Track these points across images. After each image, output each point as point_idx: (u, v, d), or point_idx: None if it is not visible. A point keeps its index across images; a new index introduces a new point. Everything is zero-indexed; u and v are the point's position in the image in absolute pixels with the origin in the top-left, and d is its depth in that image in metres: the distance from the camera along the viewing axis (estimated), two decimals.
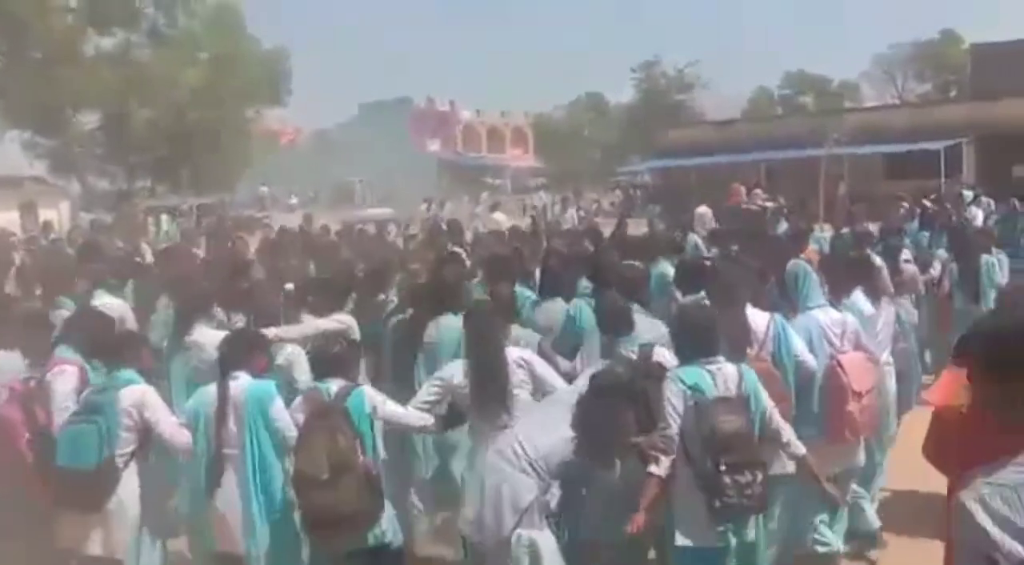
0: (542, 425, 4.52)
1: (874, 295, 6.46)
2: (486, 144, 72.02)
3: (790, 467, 4.82)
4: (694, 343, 4.52)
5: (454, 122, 70.36)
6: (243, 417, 4.82)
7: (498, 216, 24.22)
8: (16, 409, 5.17)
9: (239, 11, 43.67)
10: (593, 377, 4.53)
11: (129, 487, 4.97)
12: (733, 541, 4.35)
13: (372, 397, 4.93)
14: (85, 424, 4.86)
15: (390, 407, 4.98)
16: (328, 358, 5.05)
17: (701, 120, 54.48)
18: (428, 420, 5.09)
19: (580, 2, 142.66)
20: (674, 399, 4.33)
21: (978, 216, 14.47)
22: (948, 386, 3.64)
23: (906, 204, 14.65)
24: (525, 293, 7.16)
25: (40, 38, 36.93)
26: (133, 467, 5.00)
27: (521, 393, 5.01)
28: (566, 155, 67.36)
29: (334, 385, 4.90)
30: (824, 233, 13.42)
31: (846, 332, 5.65)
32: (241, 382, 4.92)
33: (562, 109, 74.10)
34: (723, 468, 4.15)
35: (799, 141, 31.71)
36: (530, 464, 4.39)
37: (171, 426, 5.02)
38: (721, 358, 4.49)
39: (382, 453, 5.00)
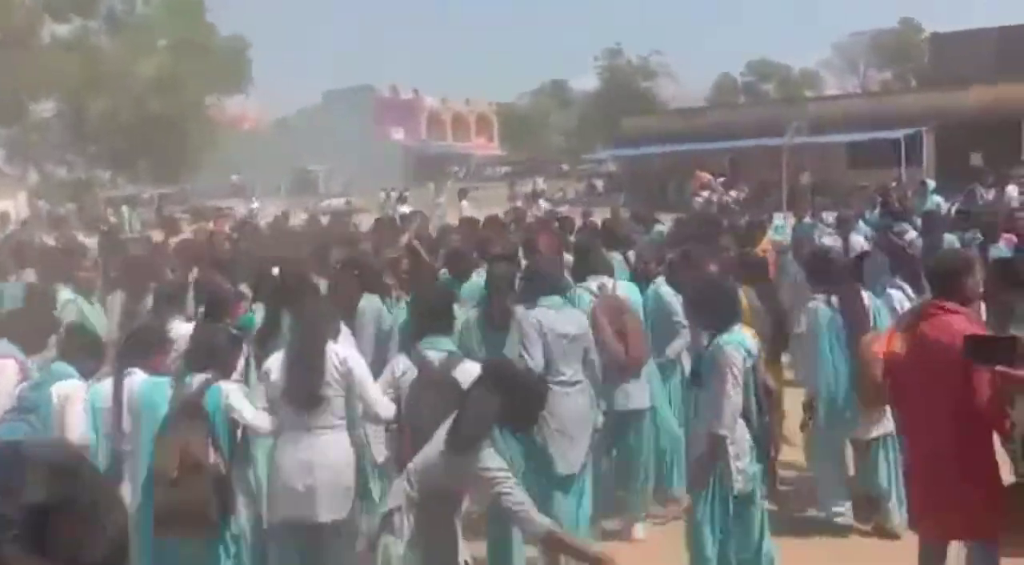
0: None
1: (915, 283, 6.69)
2: (451, 132, 71.74)
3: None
4: (729, 312, 4.81)
5: (418, 110, 69.99)
6: (136, 414, 4.72)
7: (464, 205, 24.24)
8: None
9: None
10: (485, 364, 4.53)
11: None
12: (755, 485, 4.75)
13: (228, 395, 4.71)
14: (17, 423, 4.75)
15: (244, 408, 4.74)
16: (202, 350, 4.84)
17: (665, 108, 54.70)
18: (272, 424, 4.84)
19: None
20: (737, 364, 4.58)
21: (940, 204, 14.65)
22: (890, 340, 4.50)
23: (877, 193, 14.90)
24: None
25: None
26: None
27: (329, 393, 4.79)
28: (531, 143, 67.33)
29: (199, 379, 4.70)
30: (784, 222, 13.51)
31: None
32: (135, 378, 4.81)
33: (526, 97, 74.01)
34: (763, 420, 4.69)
35: (762, 130, 31.87)
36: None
37: (77, 426, 4.86)
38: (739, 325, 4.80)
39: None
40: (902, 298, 6.42)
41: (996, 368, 3.57)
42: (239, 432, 4.83)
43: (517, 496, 3.71)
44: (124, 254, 10.26)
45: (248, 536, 4.85)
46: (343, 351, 4.94)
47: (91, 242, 13.18)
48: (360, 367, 4.91)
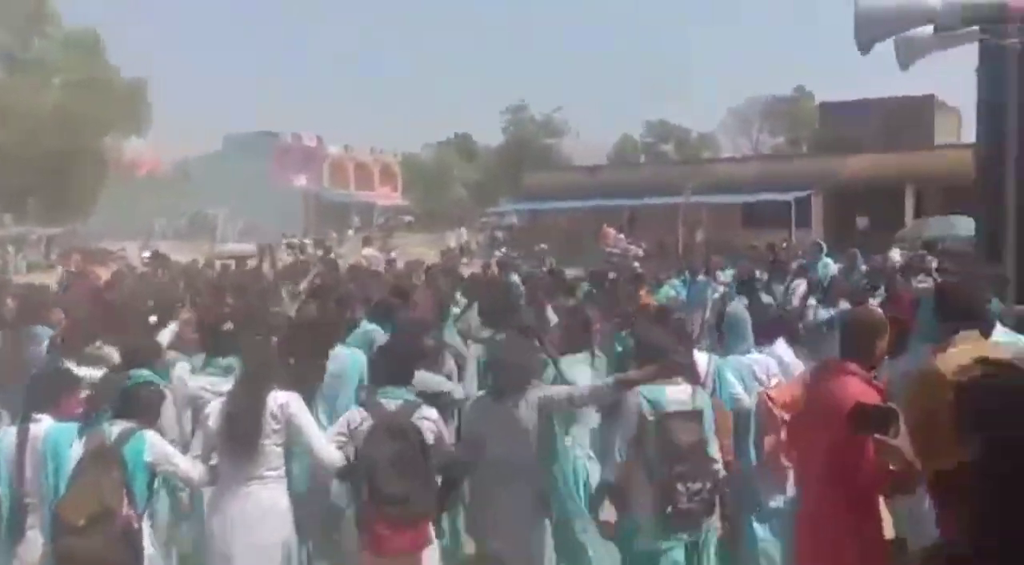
0: None
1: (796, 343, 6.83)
2: (353, 181, 71.32)
3: None
4: (651, 357, 4.93)
5: (321, 157, 69.43)
6: (42, 461, 4.55)
7: (367, 252, 24.05)
8: None
9: (97, 37, 42.23)
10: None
11: None
12: (684, 544, 4.74)
13: (155, 445, 4.59)
14: None
15: (175, 459, 4.64)
16: (128, 398, 4.71)
17: (567, 165, 55.64)
18: (203, 474, 4.73)
19: (446, 43, 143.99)
20: (632, 411, 4.74)
21: (830, 265, 15.17)
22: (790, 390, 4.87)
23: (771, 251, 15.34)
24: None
25: None
26: None
27: (266, 443, 4.69)
28: (434, 195, 67.46)
29: (119, 427, 4.56)
30: (676, 279, 13.77)
31: (770, 373, 6.06)
32: (42, 425, 4.64)
33: (431, 149, 74.29)
34: (676, 476, 4.60)
35: (661, 188, 32.70)
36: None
37: None
38: (679, 379, 4.90)
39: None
40: (766, 361, 6.23)
41: (874, 436, 3.70)
42: (155, 485, 4.68)
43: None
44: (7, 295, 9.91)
45: None
46: (284, 397, 4.79)
47: None
48: (302, 414, 4.77)
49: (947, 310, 4.30)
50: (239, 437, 4.62)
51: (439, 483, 4.75)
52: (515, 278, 12.43)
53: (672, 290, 12.40)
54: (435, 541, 4.79)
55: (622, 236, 34.13)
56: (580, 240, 35.85)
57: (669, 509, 4.61)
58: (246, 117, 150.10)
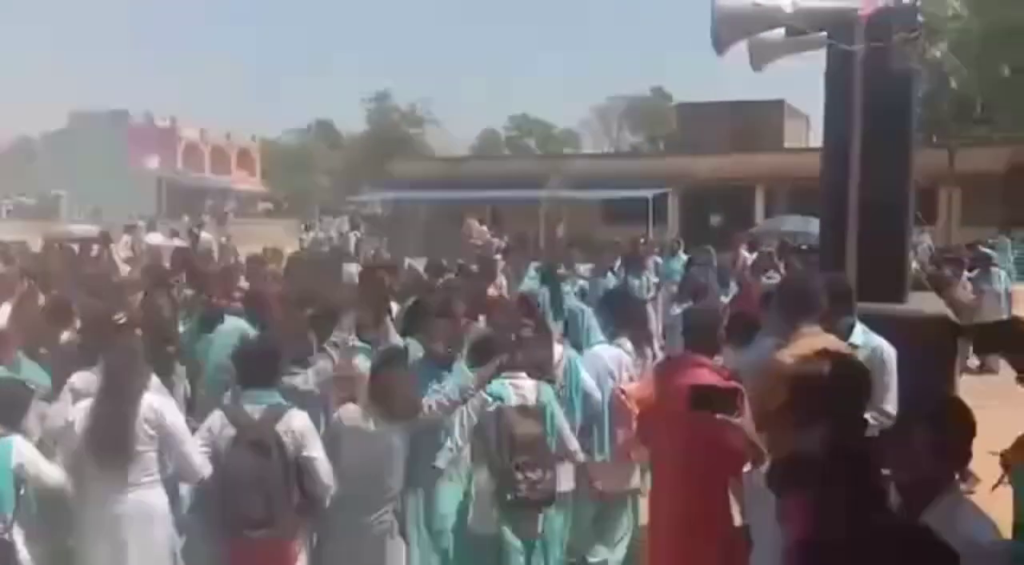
0: None
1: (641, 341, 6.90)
2: (209, 165, 69.02)
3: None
4: (480, 355, 5.14)
5: (174, 140, 66.89)
6: None
7: (205, 236, 22.89)
8: None
9: None
10: None
11: None
12: (516, 535, 4.93)
13: (22, 452, 4.30)
14: None
15: (44, 467, 4.35)
16: None
17: (431, 155, 55.45)
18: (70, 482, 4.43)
19: (307, 29, 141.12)
20: (471, 408, 4.94)
21: (684, 262, 15.55)
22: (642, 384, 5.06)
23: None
24: None
25: None
26: None
27: (141, 450, 4.41)
28: (295, 181, 66.09)
29: None
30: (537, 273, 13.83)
31: (622, 365, 6.12)
32: None
33: (292, 134, 72.80)
34: (516, 465, 4.76)
35: (523, 182, 32.93)
36: None
37: None
38: (523, 374, 5.10)
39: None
40: (619, 355, 6.23)
41: (717, 416, 3.79)
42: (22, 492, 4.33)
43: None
44: None
45: None
46: (158, 401, 4.50)
47: None
48: (175, 419, 4.48)
49: (788, 305, 4.46)
50: (109, 443, 4.32)
51: (302, 501, 4.48)
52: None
53: (532, 284, 12.44)
54: (302, 559, 4.57)
55: (484, 228, 34.25)
56: (441, 231, 35.79)
57: (509, 497, 4.79)
58: (94, 94, 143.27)
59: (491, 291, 9.84)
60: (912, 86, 6.71)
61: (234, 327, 6.77)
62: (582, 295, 11.17)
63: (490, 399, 4.98)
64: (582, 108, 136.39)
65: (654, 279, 13.61)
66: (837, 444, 2.75)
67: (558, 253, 15.31)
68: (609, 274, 12.73)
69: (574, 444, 5.34)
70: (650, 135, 69.81)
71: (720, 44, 6.16)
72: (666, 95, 67.73)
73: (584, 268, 14.28)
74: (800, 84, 13.18)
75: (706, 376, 4.29)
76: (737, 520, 4.39)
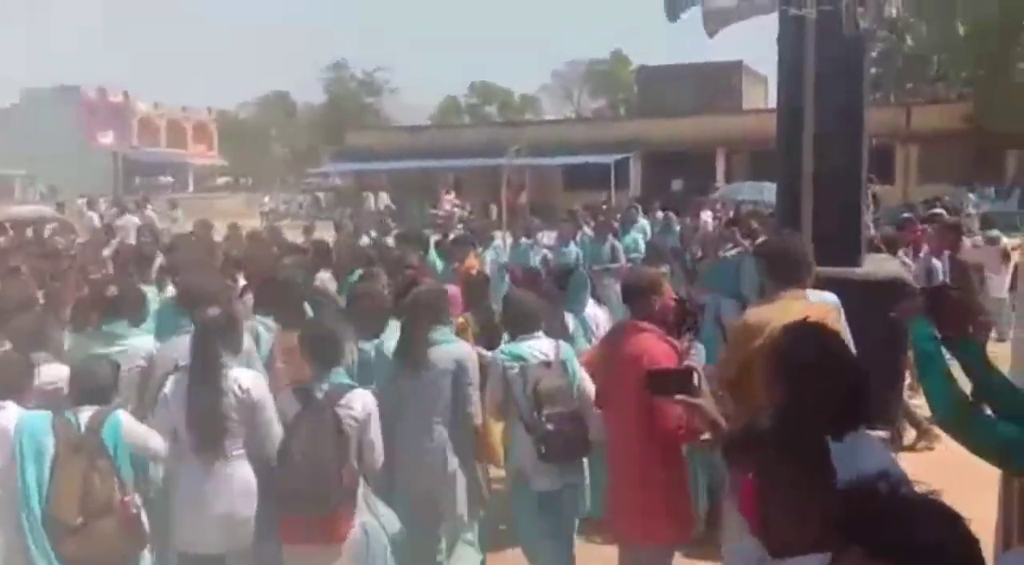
0: None
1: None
2: (165, 139, 67.99)
3: None
4: (521, 323, 5.25)
5: (128, 114, 65.74)
6: (14, 451, 4.17)
7: (149, 213, 22.24)
8: None
9: None
10: None
11: None
12: (562, 483, 4.99)
13: (128, 425, 4.36)
14: None
15: (148, 438, 4.44)
16: (84, 382, 4.40)
17: (390, 125, 55.01)
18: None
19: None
20: (496, 370, 5.07)
21: (647, 228, 15.62)
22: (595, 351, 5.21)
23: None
24: None
25: None
26: None
27: (229, 424, 4.49)
28: (253, 154, 65.39)
29: (86, 413, 4.28)
30: (502, 242, 13.84)
31: (600, 326, 6.57)
32: (9, 412, 4.27)
33: (249, 106, 71.85)
34: (546, 417, 4.86)
35: (484, 150, 32.79)
36: None
37: None
38: (540, 333, 5.22)
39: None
40: (598, 316, 6.82)
41: (676, 397, 3.79)
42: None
43: None
44: None
45: None
46: (247, 380, 4.54)
47: None
48: (267, 402, 4.54)
49: (776, 269, 4.52)
50: (208, 422, 4.42)
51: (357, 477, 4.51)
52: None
53: (494, 253, 12.43)
54: (362, 530, 4.51)
55: (450, 197, 34.13)
56: (404, 201, 35.61)
57: (543, 449, 4.88)
58: (43, 70, 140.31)
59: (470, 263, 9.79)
60: (864, 48, 6.74)
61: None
62: (545, 264, 11.16)
63: (511, 359, 5.05)
64: (543, 74, 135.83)
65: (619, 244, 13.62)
66: (798, 422, 2.64)
67: (520, 221, 15.29)
68: (572, 244, 12.71)
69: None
70: (612, 100, 69.68)
71: (671, 12, 6.15)
72: (624, 58, 67.44)
73: (547, 236, 14.32)
74: (758, 44, 13.17)
75: (650, 343, 4.34)
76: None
